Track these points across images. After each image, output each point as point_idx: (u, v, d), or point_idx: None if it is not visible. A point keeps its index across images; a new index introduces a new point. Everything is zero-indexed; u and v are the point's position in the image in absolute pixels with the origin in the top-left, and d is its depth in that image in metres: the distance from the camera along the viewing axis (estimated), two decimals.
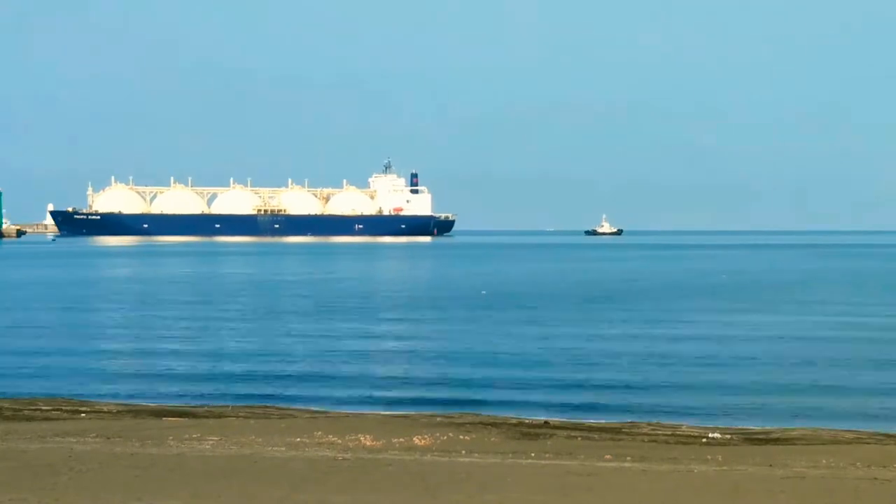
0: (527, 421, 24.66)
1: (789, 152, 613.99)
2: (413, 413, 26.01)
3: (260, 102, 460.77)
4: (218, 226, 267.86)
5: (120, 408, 26.36)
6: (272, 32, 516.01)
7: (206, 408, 26.59)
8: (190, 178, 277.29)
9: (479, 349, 39.34)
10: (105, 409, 26.13)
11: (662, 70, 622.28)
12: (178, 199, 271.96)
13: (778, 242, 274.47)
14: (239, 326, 48.25)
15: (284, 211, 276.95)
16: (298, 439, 20.86)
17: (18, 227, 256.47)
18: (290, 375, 33.19)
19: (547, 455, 19.58)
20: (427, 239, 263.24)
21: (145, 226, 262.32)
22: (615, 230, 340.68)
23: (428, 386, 31.21)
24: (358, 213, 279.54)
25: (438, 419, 24.55)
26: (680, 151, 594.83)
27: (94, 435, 21.05)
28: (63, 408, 26.03)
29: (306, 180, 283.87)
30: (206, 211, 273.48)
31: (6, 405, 26.33)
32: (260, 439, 20.75)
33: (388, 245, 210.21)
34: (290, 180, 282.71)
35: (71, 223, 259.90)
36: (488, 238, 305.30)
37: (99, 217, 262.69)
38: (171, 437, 20.77)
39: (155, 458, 18.15)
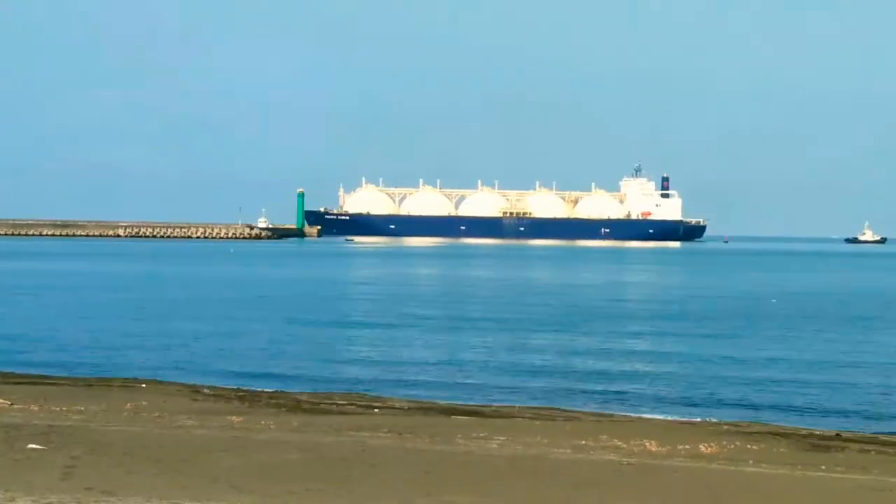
0: (817, 432, 24.01)
1: None
2: (699, 420, 25.73)
3: (512, 104, 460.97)
4: (463, 228, 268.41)
5: (411, 404, 27.10)
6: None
7: (493, 407, 27.04)
8: (438, 181, 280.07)
9: (766, 357, 38.54)
10: (397, 405, 26.92)
11: None
12: (426, 201, 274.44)
13: None
14: (540, 329, 48.75)
15: (530, 214, 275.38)
16: (583, 442, 20.95)
17: (318, 228, 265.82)
18: (574, 379, 33.37)
19: (838, 468, 19.03)
20: (676, 244, 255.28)
21: (392, 227, 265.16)
22: (878, 238, 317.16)
23: (714, 394, 30.80)
24: (604, 216, 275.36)
25: (725, 427, 24.20)
26: None
27: (386, 430, 21.71)
28: (358, 403, 26.98)
29: (554, 183, 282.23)
30: (453, 213, 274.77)
31: (305, 398, 27.51)
32: (546, 440, 20.95)
33: (638, 250, 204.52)
34: (537, 182, 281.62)
35: (322, 223, 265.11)
36: (746, 245, 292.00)
37: (348, 217, 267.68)
38: (459, 435, 21.20)
39: (444, 455, 18.57)
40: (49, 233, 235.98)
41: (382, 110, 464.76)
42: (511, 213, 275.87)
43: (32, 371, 32.36)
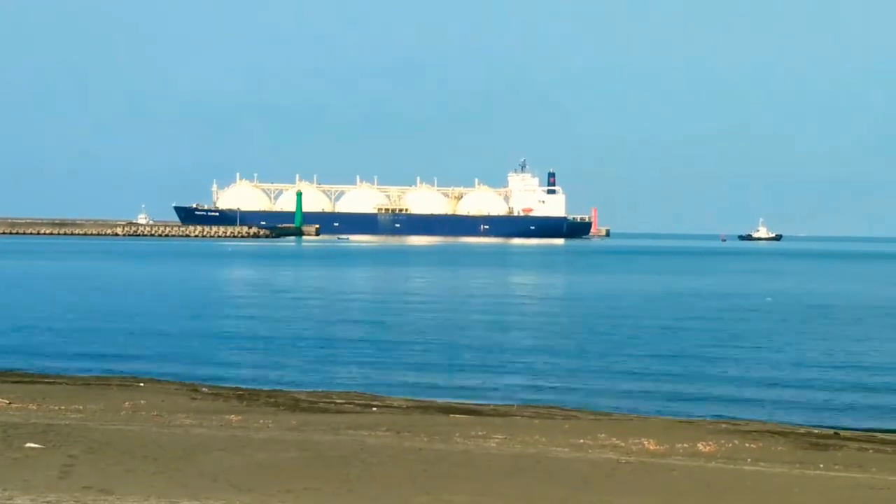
0: (815, 431, 24.03)
1: None
2: (697, 419, 25.73)
3: (394, 100, 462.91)
4: (337, 224, 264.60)
5: (409, 403, 27.10)
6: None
7: (491, 406, 27.04)
8: (316, 176, 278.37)
9: (764, 355, 38.56)
10: (395, 404, 26.91)
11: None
12: (302, 197, 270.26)
13: None
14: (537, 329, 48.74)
15: (407, 210, 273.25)
16: (582, 441, 20.95)
17: (316, 227, 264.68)
18: (572, 378, 33.38)
19: (836, 467, 19.05)
20: (559, 241, 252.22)
21: (263, 223, 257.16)
22: (773, 235, 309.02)
23: (712, 392, 30.82)
24: (485, 213, 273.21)
25: (724, 426, 24.22)
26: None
27: (384, 429, 21.71)
28: (356, 401, 26.97)
29: (435, 179, 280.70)
30: (328, 209, 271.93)
31: (303, 397, 27.50)
32: (544, 439, 20.95)
33: (522, 248, 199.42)
34: (417, 178, 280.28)
35: (192, 219, 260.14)
36: (633, 241, 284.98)
37: (218, 213, 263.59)
38: (457, 434, 21.20)
39: (442, 454, 18.58)
40: (47, 231, 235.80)
41: (261, 105, 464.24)
42: (387, 210, 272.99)
43: (31, 370, 32.34)
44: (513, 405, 27.41)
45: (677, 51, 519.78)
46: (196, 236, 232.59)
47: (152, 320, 49.28)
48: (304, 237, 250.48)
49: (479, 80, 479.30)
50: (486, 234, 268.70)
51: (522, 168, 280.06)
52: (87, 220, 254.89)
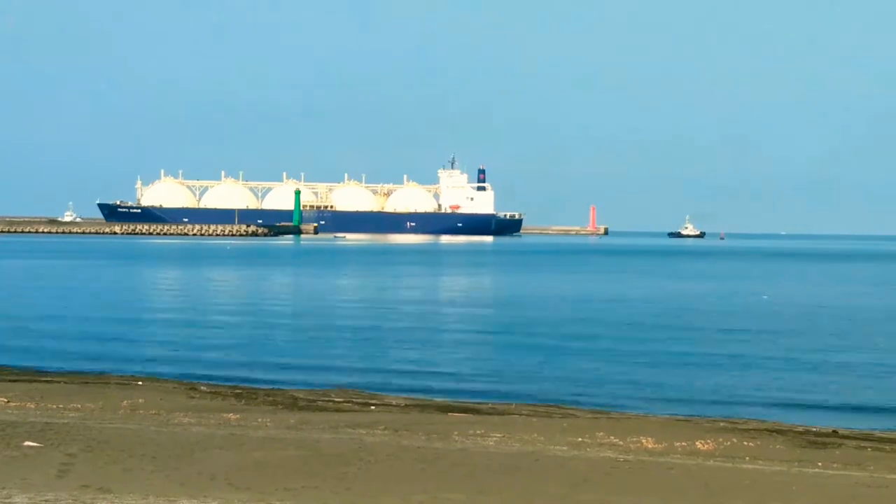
0: (814, 429, 24.03)
1: None
2: (696, 417, 25.74)
3: (325, 97, 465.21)
4: (260, 221, 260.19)
5: (408, 402, 27.10)
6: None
7: (489, 405, 27.04)
8: (241, 173, 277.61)
9: (762, 354, 38.58)
10: (393, 402, 26.92)
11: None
12: (228, 194, 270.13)
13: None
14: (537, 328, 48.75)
15: (332, 207, 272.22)
16: (580, 439, 20.96)
17: (315, 225, 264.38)
18: (569, 376, 33.37)
19: (834, 465, 19.05)
20: (488, 239, 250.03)
21: (185, 220, 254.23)
22: (699, 232, 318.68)
23: (710, 390, 30.83)
24: (411, 210, 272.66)
25: (722, 424, 24.22)
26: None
27: (382, 427, 21.71)
28: (354, 400, 26.98)
29: (363, 175, 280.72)
30: (254, 206, 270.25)
31: (301, 395, 27.49)
32: (542, 437, 20.96)
33: (450, 246, 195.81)
34: (345, 175, 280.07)
35: (115, 216, 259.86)
36: (628, 241, 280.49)
37: (140, 210, 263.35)
38: (456, 433, 21.21)
39: (440, 453, 18.59)
40: (45, 230, 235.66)
41: (187, 102, 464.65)
42: (312, 206, 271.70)
43: (29, 368, 32.32)
44: (511, 403, 27.41)
45: (628, 48, 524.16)
46: (195, 235, 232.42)
47: (152, 319, 49.32)
48: (303, 234, 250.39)
49: (412, 77, 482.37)
50: (412, 231, 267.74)
51: (452, 165, 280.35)
52: (85, 219, 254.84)
